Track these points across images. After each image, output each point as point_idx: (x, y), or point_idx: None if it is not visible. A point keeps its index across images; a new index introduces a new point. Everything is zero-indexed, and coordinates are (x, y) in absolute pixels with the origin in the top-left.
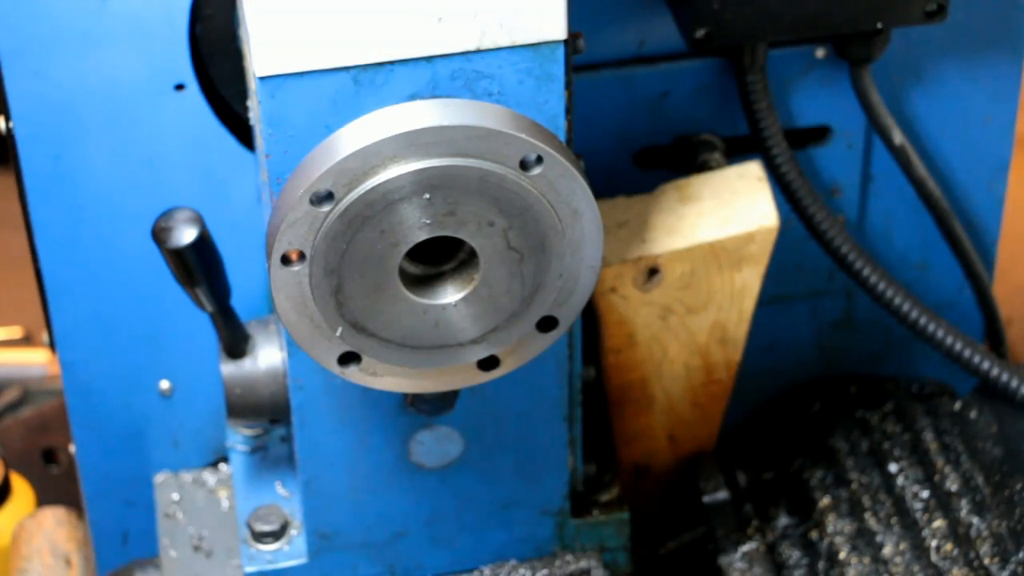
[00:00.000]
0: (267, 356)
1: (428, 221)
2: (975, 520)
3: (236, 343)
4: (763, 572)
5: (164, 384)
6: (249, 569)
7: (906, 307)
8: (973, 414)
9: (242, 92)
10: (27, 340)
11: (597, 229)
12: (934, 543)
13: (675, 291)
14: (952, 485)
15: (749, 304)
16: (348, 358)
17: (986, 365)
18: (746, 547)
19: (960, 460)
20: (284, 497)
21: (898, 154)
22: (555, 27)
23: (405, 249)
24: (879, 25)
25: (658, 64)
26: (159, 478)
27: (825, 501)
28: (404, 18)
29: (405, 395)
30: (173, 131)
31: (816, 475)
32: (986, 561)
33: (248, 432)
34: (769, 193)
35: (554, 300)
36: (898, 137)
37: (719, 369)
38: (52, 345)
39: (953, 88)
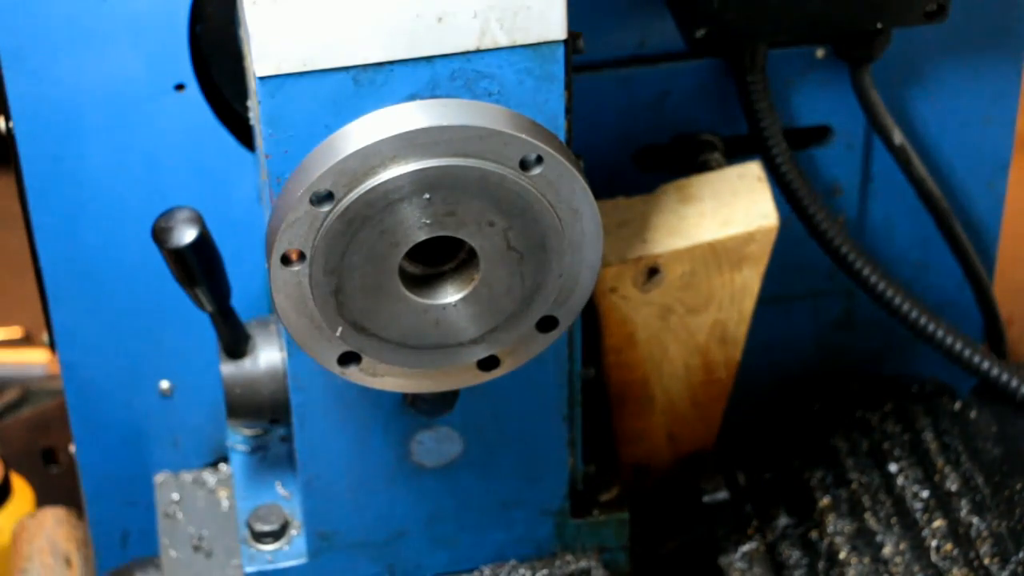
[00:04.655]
0: (267, 356)
1: (428, 221)
2: (975, 520)
3: (236, 343)
4: (763, 572)
5: (164, 384)
6: (249, 569)
7: (906, 307)
8: (973, 414)
9: (242, 92)
10: (27, 340)
11: (597, 229)
12: (934, 543)
13: (675, 291)
14: (952, 485)
15: (749, 304)
16: (348, 358)
17: (986, 365)
18: (746, 547)
19: (960, 460)
20: (284, 497)
21: (898, 154)
22: (555, 27)
23: (405, 249)
24: (879, 25)
25: (658, 64)
26: (159, 478)
27: (825, 501)
28: (404, 18)
29: (405, 395)
30: (173, 131)
31: (816, 475)
32: (986, 561)
33: (248, 432)
34: (769, 193)
35: (554, 300)
36: (898, 137)
37: (719, 369)
38: (52, 345)
39: (953, 88)
